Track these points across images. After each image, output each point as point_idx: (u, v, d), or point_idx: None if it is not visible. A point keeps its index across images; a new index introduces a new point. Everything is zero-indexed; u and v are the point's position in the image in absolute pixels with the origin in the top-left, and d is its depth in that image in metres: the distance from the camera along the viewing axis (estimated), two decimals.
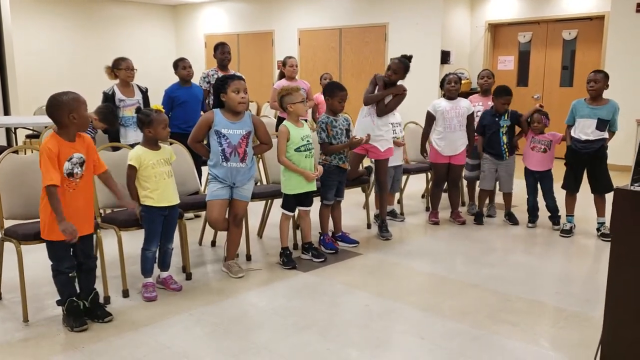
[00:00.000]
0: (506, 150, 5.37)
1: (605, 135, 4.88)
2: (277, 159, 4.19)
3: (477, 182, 5.76)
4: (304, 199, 4.29)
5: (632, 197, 2.30)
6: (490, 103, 5.57)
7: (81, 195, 3.12)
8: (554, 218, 5.26)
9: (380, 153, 4.86)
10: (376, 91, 4.86)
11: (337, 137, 4.47)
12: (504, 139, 5.36)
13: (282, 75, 6.94)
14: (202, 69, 12.23)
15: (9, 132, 8.39)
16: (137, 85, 5.36)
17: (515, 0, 9.67)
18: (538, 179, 5.27)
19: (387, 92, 4.80)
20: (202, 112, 5.68)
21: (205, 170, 4.60)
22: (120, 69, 5.20)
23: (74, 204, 3.08)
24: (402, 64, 4.82)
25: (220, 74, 5.81)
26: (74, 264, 3.20)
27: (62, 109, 3.00)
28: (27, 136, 8.35)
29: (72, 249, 3.17)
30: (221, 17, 12.73)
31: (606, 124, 4.85)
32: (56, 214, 2.96)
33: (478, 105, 5.74)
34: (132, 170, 3.53)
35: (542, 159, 5.22)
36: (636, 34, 7.98)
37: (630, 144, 7.39)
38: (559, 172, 5.17)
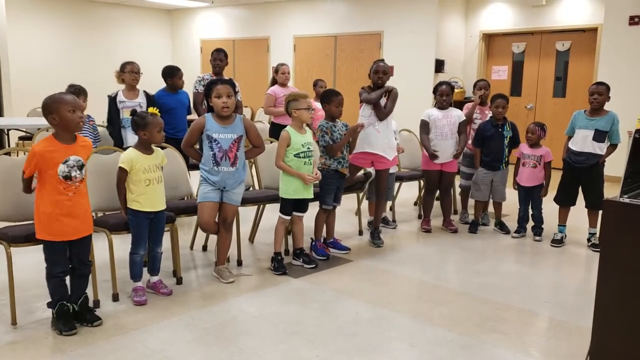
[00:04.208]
0: (506, 160, 5.39)
1: (602, 151, 4.87)
2: (275, 163, 4.20)
3: (470, 195, 5.75)
4: (300, 205, 4.29)
5: (621, 208, 2.31)
6: (488, 112, 5.59)
7: (81, 199, 3.13)
8: (537, 229, 5.27)
9: (389, 162, 4.87)
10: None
11: (337, 143, 4.51)
12: (506, 150, 5.37)
13: (274, 82, 6.96)
14: (197, 74, 12.24)
15: (2, 133, 8.36)
16: (145, 91, 5.39)
17: (509, 11, 9.73)
18: (529, 192, 5.28)
19: (382, 90, 4.77)
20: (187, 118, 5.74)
21: (193, 174, 4.60)
22: (125, 72, 5.26)
23: (75, 207, 3.08)
24: (387, 65, 4.82)
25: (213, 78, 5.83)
26: (68, 268, 3.18)
27: (44, 110, 3.04)
28: (20, 138, 8.32)
29: (68, 253, 3.16)
30: (217, 23, 12.75)
31: (604, 135, 4.85)
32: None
33: (475, 114, 5.74)
34: (122, 173, 3.52)
35: (531, 175, 5.21)
36: (629, 47, 8.05)
37: (623, 155, 7.39)
38: (555, 183, 5.18)
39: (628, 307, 2.30)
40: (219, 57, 6.01)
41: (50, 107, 3.01)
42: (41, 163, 2.99)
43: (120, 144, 5.11)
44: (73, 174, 3.05)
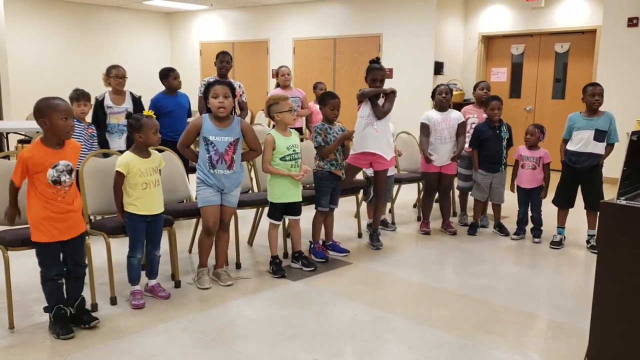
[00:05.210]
0: (504, 162, 5.39)
1: (601, 150, 4.87)
2: (262, 169, 4.21)
3: (470, 193, 5.76)
4: (292, 208, 4.28)
5: (618, 210, 2.31)
6: (485, 115, 5.59)
7: (71, 203, 3.12)
8: (536, 231, 5.27)
9: (386, 163, 4.86)
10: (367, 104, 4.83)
11: (328, 146, 4.49)
12: (505, 152, 5.38)
13: (278, 85, 6.98)
14: (197, 77, 12.27)
15: (1, 137, 8.36)
16: (131, 93, 5.37)
17: (508, 13, 9.74)
18: (528, 194, 5.27)
19: (380, 89, 4.75)
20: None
21: (192, 177, 4.59)
22: (110, 76, 5.23)
23: (65, 211, 3.08)
24: (384, 70, 4.82)
25: None
26: (63, 271, 3.18)
27: (36, 113, 3.02)
28: (19, 141, 8.32)
29: (61, 255, 3.15)
30: (216, 26, 12.76)
31: (604, 135, 4.86)
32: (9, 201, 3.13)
33: (472, 117, 5.76)
34: (119, 177, 3.52)
35: (531, 177, 5.20)
36: (627, 48, 8.05)
37: (621, 157, 7.37)
38: (554, 185, 5.18)
39: (625, 309, 2.30)
40: (225, 60, 6.01)
41: (43, 111, 3.00)
42: (30, 168, 2.98)
43: (106, 146, 5.10)
44: (62, 178, 3.04)
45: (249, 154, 4.10)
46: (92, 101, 5.03)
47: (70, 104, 4.62)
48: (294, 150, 4.19)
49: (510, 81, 10.07)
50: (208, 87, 3.84)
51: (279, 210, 4.26)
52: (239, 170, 3.93)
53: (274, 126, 6.75)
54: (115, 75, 5.22)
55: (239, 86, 6.25)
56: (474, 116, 5.76)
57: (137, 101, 5.36)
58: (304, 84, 10.48)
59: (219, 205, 3.92)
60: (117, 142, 5.16)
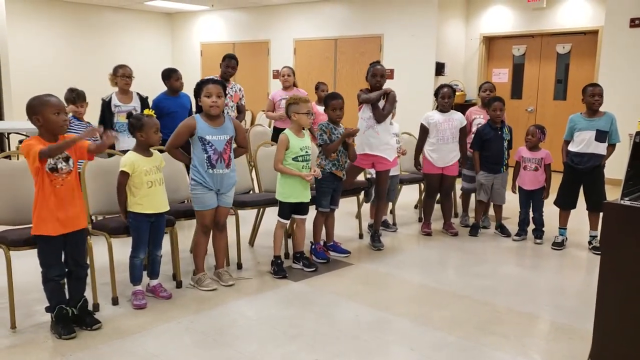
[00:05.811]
0: (506, 163, 5.39)
1: (603, 151, 4.89)
2: (274, 167, 4.19)
3: (473, 195, 5.74)
4: (299, 207, 4.28)
5: (622, 211, 2.31)
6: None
7: (70, 192, 3.11)
8: (537, 232, 5.27)
9: (389, 163, 4.86)
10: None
11: (331, 143, 4.49)
12: (506, 153, 5.38)
13: None
14: (198, 77, 12.26)
15: (2, 137, 8.37)
16: (138, 93, 5.39)
17: (510, 14, 9.73)
18: (530, 195, 5.27)
19: (382, 91, 4.75)
20: None
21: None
22: (117, 75, 5.25)
23: (64, 200, 3.07)
24: (384, 67, 4.84)
25: None
26: (64, 271, 3.18)
27: (28, 111, 3.03)
28: (21, 141, 8.31)
29: (62, 256, 3.15)
30: (217, 26, 12.76)
31: (605, 135, 4.87)
32: (69, 145, 3.03)
33: (479, 118, 5.75)
34: (124, 177, 3.51)
35: (533, 178, 5.20)
36: (629, 49, 8.04)
37: (624, 157, 7.34)
38: (555, 186, 5.18)
39: (629, 310, 2.29)
40: (231, 65, 6.02)
41: (35, 109, 3.01)
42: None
43: (111, 148, 5.11)
44: (59, 165, 3.05)
45: (237, 151, 4.06)
46: (88, 100, 5.02)
47: (67, 105, 4.63)
48: (306, 152, 4.19)
49: (512, 82, 10.07)
50: (201, 85, 3.82)
51: (287, 209, 4.26)
52: (234, 168, 3.93)
53: (274, 128, 6.80)
54: (122, 75, 5.25)
55: (239, 89, 6.25)
56: (480, 117, 5.76)
57: (144, 101, 5.38)
58: (305, 84, 10.46)
59: (215, 207, 3.91)
60: (127, 141, 5.12)
